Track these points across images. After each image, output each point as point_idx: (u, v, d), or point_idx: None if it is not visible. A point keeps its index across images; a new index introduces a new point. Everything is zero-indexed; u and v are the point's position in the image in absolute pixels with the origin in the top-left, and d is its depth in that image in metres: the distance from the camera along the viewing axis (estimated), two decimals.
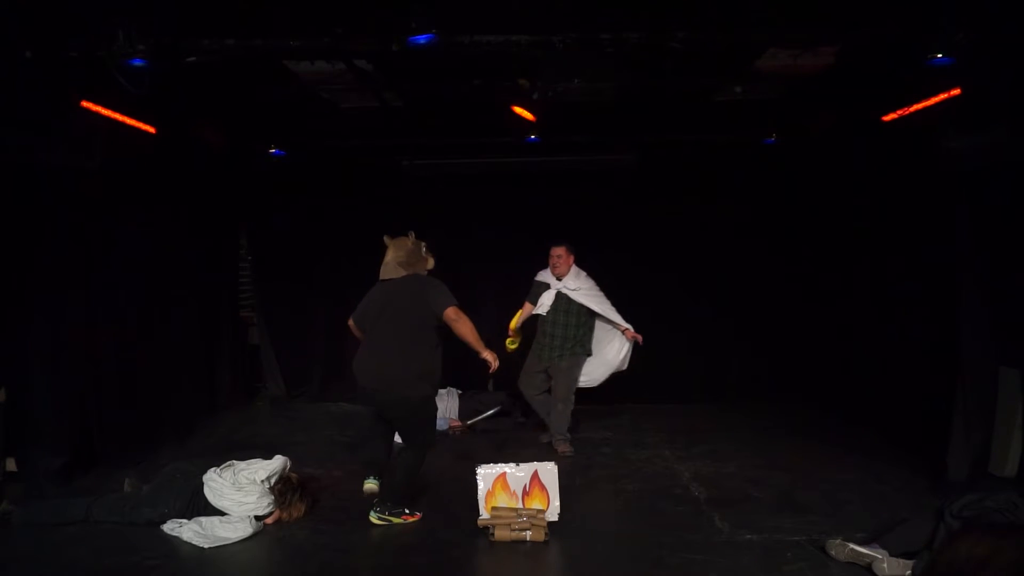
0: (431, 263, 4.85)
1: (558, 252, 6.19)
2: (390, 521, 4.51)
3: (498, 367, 4.72)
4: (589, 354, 6.28)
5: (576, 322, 6.19)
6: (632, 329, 6.14)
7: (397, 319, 4.52)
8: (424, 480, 5.42)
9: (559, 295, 6.19)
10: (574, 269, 6.25)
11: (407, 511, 4.58)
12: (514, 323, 6.42)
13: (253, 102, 6.16)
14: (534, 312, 6.34)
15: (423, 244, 4.82)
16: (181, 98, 5.63)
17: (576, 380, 6.22)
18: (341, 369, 7.95)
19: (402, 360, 4.45)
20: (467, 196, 7.96)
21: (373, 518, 4.50)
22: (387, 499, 4.57)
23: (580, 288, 6.17)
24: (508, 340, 6.47)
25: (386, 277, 4.68)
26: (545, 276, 6.32)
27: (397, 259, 4.68)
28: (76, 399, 5.36)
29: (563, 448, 6.08)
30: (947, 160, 4.83)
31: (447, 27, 4.01)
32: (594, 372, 6.35)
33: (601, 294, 6.23)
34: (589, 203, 7.89)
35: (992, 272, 4.93)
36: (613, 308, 6.20)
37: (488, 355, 4.62)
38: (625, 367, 6.32)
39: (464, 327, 4.49)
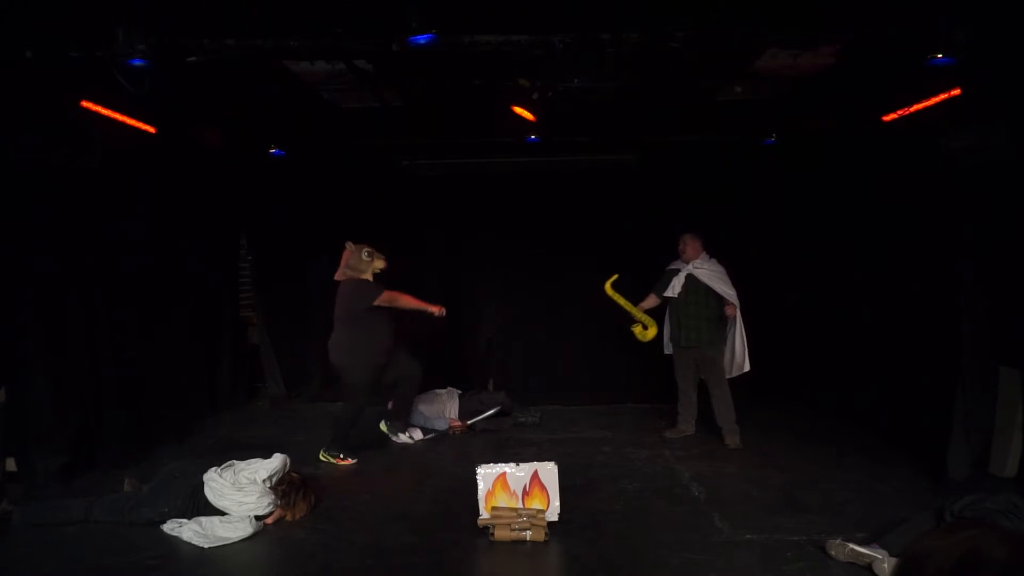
0: (378, 264, 5.88)
1: (684, 238, 6.35)
2: (329, 459, 5.76)
3: (444, 312, 5.87)
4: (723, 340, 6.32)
5: (706, 303, 6.25)
6: (735, 307, 6.16)
7: (338, 313, 5.84)
8: (425, 479, 5.46)
9: (688, 277, 6.28)
10: (704, 255, 6.34)
11: (342, 455, 5.78)
12: (634, 309, 6.39)
13: (253, 102, 6.16)
14: (666, 295, 6.38)
15: (364, 249, 5.86)
16: (181, 98, 5.63)
17: (724, 368, 6.29)
18: None
19: (334, 338, 5.87)
20: (467, 196, 7.97)
21: (320, 455, 5.80)
22: (330, 443, 5.83)
23: (706, 268, 6.27)
24: (638, 329, 6.41)
25: (337, 279, 5.95)
26: (676, 264, 6.44)
27: (344, 265, 5.91)
28: (76, 399, 5.36)
29: (730, 440, 6.15)
30: (947, 160, 4.83)
31: (447, 27, 4.01)
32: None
33: (726, 278, 6.28)
34: (589, 203, 7.89)
35: (992, 272, 4.93)
36: (732, 290, 6.23)
37: (435, 309, 5.81)
38: (746, 367, 6.25)
39: (401, 301, 5.74)
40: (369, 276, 5.88)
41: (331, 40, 4.34)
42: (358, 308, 5.72)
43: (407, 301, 5.75)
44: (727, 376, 6.27)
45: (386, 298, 5.68)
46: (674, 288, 6.33)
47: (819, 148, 7.07)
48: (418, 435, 6.65)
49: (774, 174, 7.64)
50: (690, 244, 6.33)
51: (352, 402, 5.95)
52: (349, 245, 5.94)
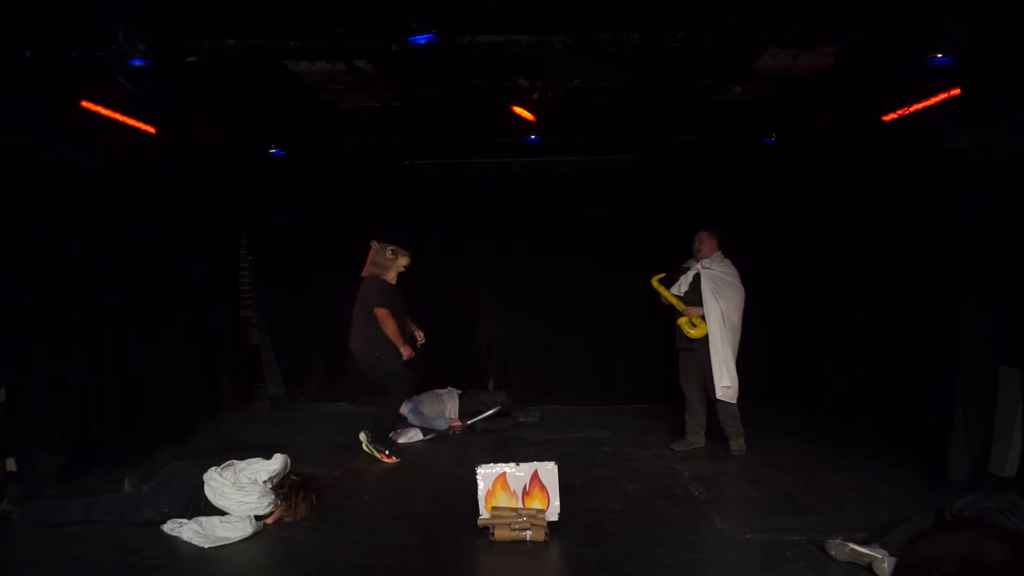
0: (402, 262, 6.11)
1: (700, 236, 6.08)
2: (373, 452, 5.88)
3: (412, 354, 6.02)
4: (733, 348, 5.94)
5: None
6: (697, 308, 5.92)
7: (358, 306, 6.02)
8: (425, 480, 5.47)
9: (696, 277, 6.01)
10: (719, 255, 6.07)
11: (387, 452, 5.90)
12: (678, 303, 6.01)
13: (253, 102, 6.15)
14: (672, 291, 6.11)
15: (388, 248, 6.08)
16: (181, 98, 5.63)
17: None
18: (341, 369, 7.97)
19: (359, 335, 6.01)
20: (467, 196, 7.97)
21: (362, 439, 5.93)
22: (373, 435, 5.95)
23: (715, 269, 5.98)
24: (684, 321, 5.98)
25: (363, 276, 6.14)
26: (690, 261, 6.18)
27: (369, 263, 6.12)
28: (76, 399, 5.36)
29: (735, 445, 5.95)
30: (947, 160, 4.83)
31: (447, 27, 4.01)
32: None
33: (735, 281, 5.98)
34: (589, 203, 7.89)
35: (992, 272, 4.93)
36: (738, 297, 5.93)
37: (405, 350, 5.93)
38: (720, 391, 5.89)
39: (386, 328, 5.86)
40: (393, 274, 6.08)
41: (331, 40, 4.34)
42: (370, 305, 5.92)
43: (390, 329, 5.86)
44: (716, 396, 5.93)
45: (381, 314, 5.86)
46: (680, 286, 6.09)
47: (819, 148, 7.07)
48: (418, 435, 6.66)
49: (774, 174, 7.64)
50: (706, 243, 6.06)
51: (395, 393, 6.07)
52: (374, 244, 6.13)
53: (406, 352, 5.92)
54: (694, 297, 6.02)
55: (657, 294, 6.21)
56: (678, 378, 6.29)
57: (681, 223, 7.49)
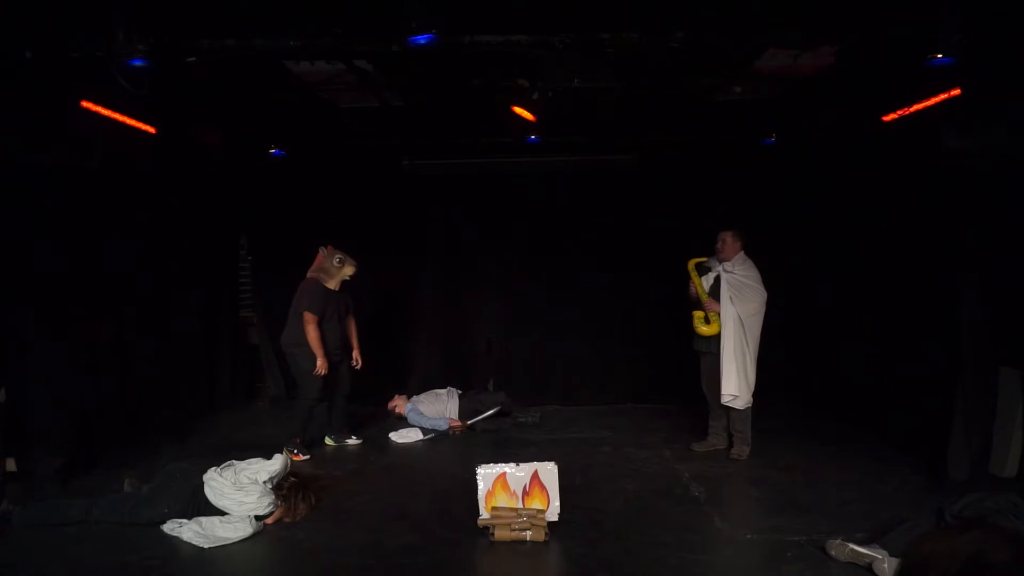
0: (347, 271, 6.13)
1: (723, 236, 5.86)
2: (288, 455, 5.53)
3: (324, 373, 5.95)
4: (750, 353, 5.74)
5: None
6: (716, 304, 5.75)
7: (292, 306, 6.07)
8: (425, 480, 5.46)
9: (717, 279, 5.82)
10: (741, 256, 5.84)
11: (295, 451, 5.88)
12: (705, 295, 5.84)
13: (253, 102, 6.16)
14: (690, 294, 5.98)
15: (336, 255, 6.12)
16: (181, 98, 5.63)
17: (747, 380, 5.73)
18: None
19: (287, 332, 6.10)
20: (467, 196, 7.96)
21: (284, 453, 5.51)
22: (289, 440, 5.97)
23: (737, 272, 5.77)
24: (699, 316, 5.84)
25: (308, 276, 6.16)
26: (710, 260, 5.97)
27: (314, 267, 6.14)
28: (76, 399, 5.37)
29: (737, 451, 5.83)
30: (947, 160, 4.83)
31: (447, 27, 4.01)
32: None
33: (753, 286, 5.75)
34: (589, 203, 7.89)
35: (992, 272, 4.93)
36: (754, 301, 5.73)
37: (321, 361, 5.88)
38: (727, 396, 5.73)
39: (307, 333, 5.89)
40: (336, 282, 6.10)
41: (331, 40, 4.34)
42: (300, 308, 5.96)
43: (311, 335, 5.87)
44: (721, 401, 5.81)
45: (307, 319, 5.89)
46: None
47: (819, 148, 7.06)
48: (418, 435, 6.66)
49: (774, 174, 7.64)
50: (729, 244, 5.82)
51: (304, 396, 6.04)
52: (322, 249, 6.13)
53: (321, 363, 5.86)
54: (715, 299, 5.84)
55: (688, 278, 6.00)
56: (678, 378, 6.28)
57: (680, 223, 7.51)
